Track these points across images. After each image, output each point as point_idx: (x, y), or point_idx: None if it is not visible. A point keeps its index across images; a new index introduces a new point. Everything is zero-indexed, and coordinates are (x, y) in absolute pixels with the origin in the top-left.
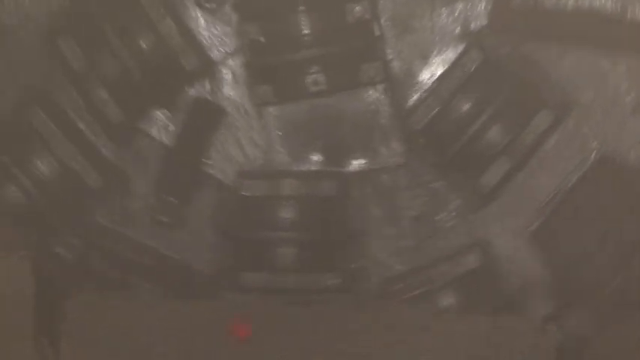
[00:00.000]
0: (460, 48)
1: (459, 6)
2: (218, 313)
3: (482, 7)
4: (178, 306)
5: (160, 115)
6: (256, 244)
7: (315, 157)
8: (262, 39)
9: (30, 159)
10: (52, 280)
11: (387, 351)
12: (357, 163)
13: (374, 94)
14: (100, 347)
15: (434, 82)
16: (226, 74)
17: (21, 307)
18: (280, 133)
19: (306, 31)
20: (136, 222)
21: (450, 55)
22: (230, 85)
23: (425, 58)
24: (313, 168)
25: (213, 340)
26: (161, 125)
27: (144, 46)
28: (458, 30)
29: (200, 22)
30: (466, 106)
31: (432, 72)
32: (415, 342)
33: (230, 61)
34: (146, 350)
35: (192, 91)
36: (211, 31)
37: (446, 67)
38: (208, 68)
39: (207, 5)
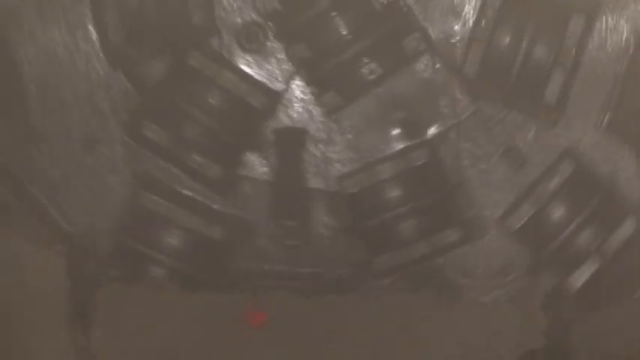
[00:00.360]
0: None
1: None
2: (236, 302)
3: None
4: (199, 296)
5: (251, 156)
6: (378, 229)
7: (396, 136)
8: (311, 54)
9: (158, 238)
10: (84, 274)
11: (386, 340)
12: (434, 127)
13: (424, 63)
14: (128, 334)
15: (471, 31)
16: (293, 97)
17: (57, 298)
18: (359, 128)
19: (344, 32)
20: (267, 254)
21: (476, 1)
22: (300, 105)
23: (456, 14)
24: (399, 146)
25: (233, 328)
26: (256, 164)
27: (213, 102)
28: None
29: (252, 63)
30: (506, 40)
31: (465, 23)
32: (413, 331)
33: (292, 85)
34: (168, 337)
35: (270, 125)
36: (265, 67)
37: (476, 13)
38: (276, 99)
39: (251, 47)
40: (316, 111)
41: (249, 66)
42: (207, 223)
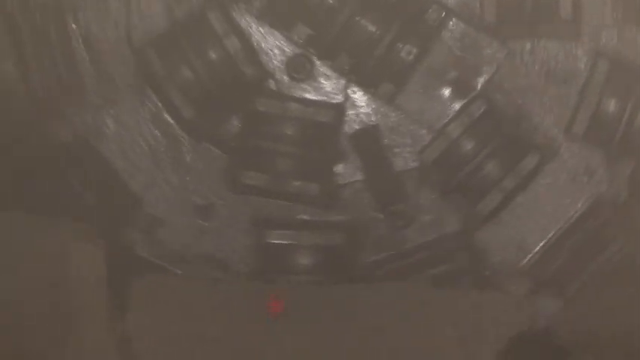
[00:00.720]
0: None
1: None
2: (259, 291)
3: None
4: (226, 286)
5: (339, 165)
6: (467, 181)
7: (451, 98)
8: (353, 60)
9: (293, 263)
10: (121, 264)
11: (386, 327)
12: (481, 79)
13: (451, 29)
14: (160, 319)
15: None
16: (355, 102)
17: (96, 286)
18: (418, 105)
19: (372, 29)
20: (386, 241)
21: None
22: (363, 106)
23: None
24: (457, 106)
25: (256, 317)
26: (346, 171)
27: (290, 133)
28: None
29: (308, 88)
30: None
31: None
32: (413, 317)
33: (349, 92)
34: (196, 322)
35: (345, 132)
36: (322, 90)
37: None
38: (341, 110)
39: (301, 76)
40: (377, 105)
41: (307, 92)
42: (328, 235)
